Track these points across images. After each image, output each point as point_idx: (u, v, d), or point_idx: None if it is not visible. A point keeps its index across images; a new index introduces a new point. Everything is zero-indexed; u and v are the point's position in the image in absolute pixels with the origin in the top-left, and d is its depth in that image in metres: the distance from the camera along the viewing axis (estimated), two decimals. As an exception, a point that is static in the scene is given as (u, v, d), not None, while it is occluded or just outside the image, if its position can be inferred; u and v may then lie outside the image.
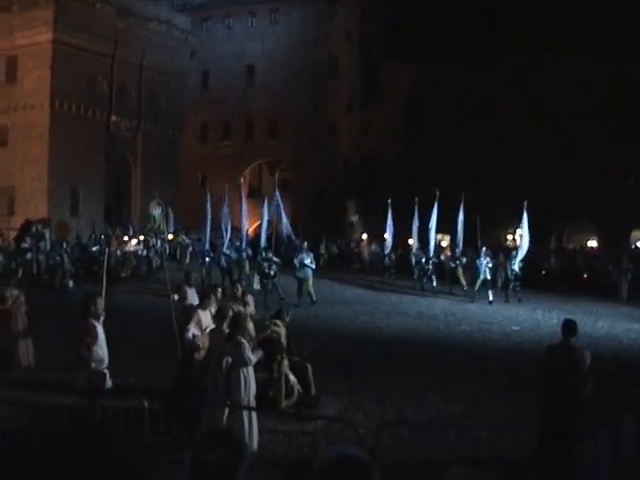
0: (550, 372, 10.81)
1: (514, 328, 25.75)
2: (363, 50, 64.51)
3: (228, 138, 69.66)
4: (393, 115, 61.11)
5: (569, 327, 11.12)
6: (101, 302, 12.36)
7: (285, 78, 65.23)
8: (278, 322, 15.17)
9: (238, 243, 35.09)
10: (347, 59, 64.91)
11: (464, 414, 14.37)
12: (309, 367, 14.71)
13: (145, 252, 39.38)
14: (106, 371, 12.06)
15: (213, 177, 63.91)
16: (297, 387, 14.15)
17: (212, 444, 3.71)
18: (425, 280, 35.25)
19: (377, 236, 50.38)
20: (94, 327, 11.85)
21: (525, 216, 31.17)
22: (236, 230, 36.91)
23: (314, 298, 30.10)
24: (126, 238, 40.06)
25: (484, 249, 32.83)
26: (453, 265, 35.72)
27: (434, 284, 34.99)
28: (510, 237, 58.33)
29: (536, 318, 28.22)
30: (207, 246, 34.68)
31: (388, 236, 37.91)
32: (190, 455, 3.64)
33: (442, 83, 58.51)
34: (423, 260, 35.30)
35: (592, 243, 56.36)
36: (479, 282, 32.35)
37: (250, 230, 47.63)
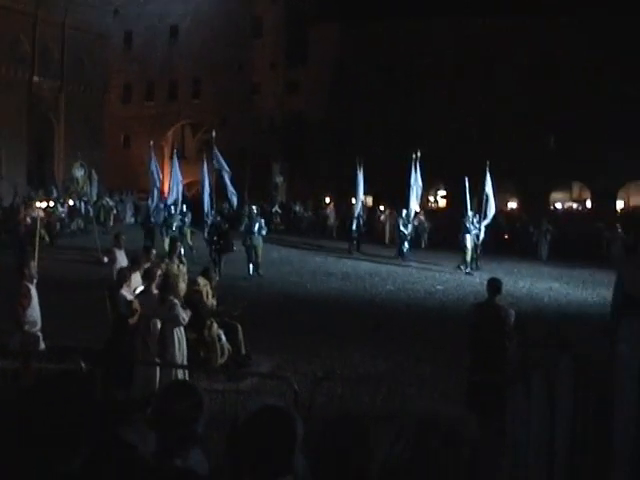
0: (477, 329, 11.19)
1: (438, 287, 26.26)
2: (288, 9, 64.17)
3: (151, 98, 69.03)
4: (320, 75, 61.04)
5: (494, 286, 11.51)
6: (34, 265, 12.41)
7: (209, 38, 64.70)
8: (199, 280, 15.23)
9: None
10: (272, 18, 64.54)
11: (392, 371, 14.73)
12: (239, 327, 14.78)
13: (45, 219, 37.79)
14: (39, 333, 12.11)
15: (136, 138, 63.47)
16: (227, 347, 14.26)
17: (172, 397, 3.90)
18: (407, 246, 34.07)
19: (303, 197, 50.75)
20: (28, 290, 11.89)
21: (488, 178, 29.72)
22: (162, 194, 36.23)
23: (260, 271, 27.80)
24: (38, 204, 38.94)
25: (470, 212, 30.95)
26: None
27: (405, 249, 33.94)
28: (432, 199, 59.02)
29: (459, 278, 28.78)
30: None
31: (358, 198, 36.22)
32: (151, 408, 3.82)
33: (370, 43, 58.51)
34: (401, 225, 33.91)
35: (512, 204, 57.27)
36: (470, 249, 30.51)
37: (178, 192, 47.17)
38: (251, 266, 27.94)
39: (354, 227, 36.62)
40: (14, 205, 39.00)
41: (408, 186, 32.53)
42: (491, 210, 30.43)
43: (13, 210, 36.35)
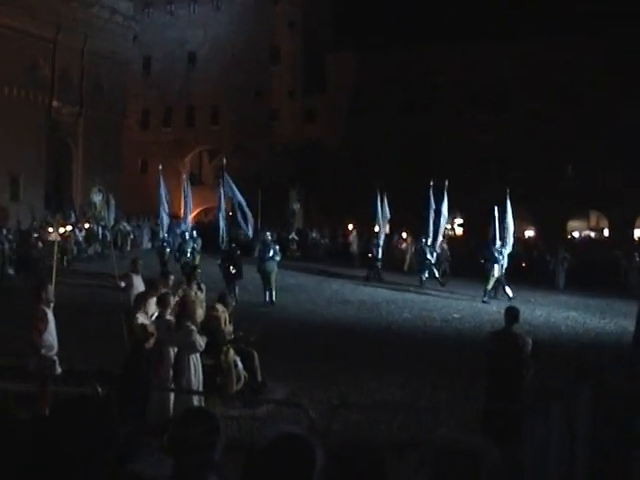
0: (494, 357, 11.14)
1: (455, 316, 26.14)
2: (306, 37, 64.50)
3: (169, 124, 69.32)
4: (337, 102, 61.22)
5: (511, 314, 11.46)
6: (52, 289, 12.42)
7: (227, 65, 65.13)
8: (218, 307, 15.22)
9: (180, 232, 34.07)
10: (289, 46, 64.90)
11: (408, 398, 14.66)
12: (255, 354, 14.75)
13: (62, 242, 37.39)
14: (56, 357, 12.10)
15: (154, 163, 63.60)
16: (243, 373, 14.23)
17: (188, 422, 3.87)
18: (428, 274, 34.00)
19: (320, 224, 50.71)
20: (45, 314, 11.89)
21: (509, 206, 30.00)
22: (175, 217, 36.38)
23: (274, 298, 27.28)
24: (51, 229, 38.70)
25: (499, 241, 30.42)
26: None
27: (425, 276, 33.90)
28: (449, 227, 58.88)
29: (476, 306, 28.64)
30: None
31: (381, 225, 36.24)
32: (168, 434, 3.79)
33: (387, 71, 58.70)
34: (428, 253, 33.59)
35: (529, 232, 57.11)
36: (495, 277, 30.12)
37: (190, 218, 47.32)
38: (268, 293, 27.65)
39: (380, 255, 36.08)
40: (30, 229, 39.10)
41: (427, 213, 32.64)
42: (511, 238, 30.51)
43: (30, 234, 36.34)
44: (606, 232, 57.46)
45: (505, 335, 11.36)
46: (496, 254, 30.12)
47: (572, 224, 58.27)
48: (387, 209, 35.54)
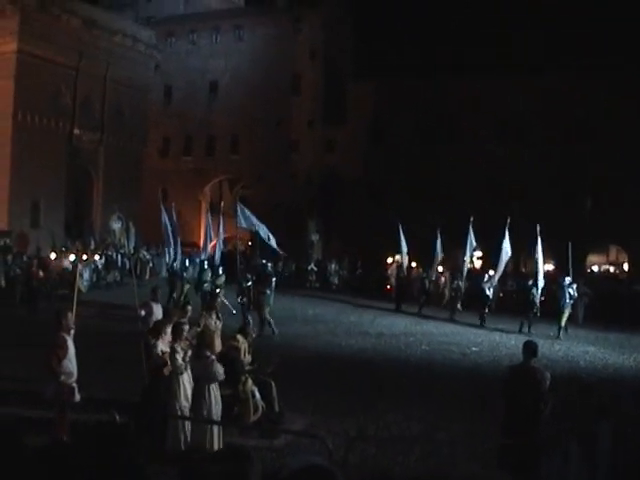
0: (512, 391, 11.08)
1: (473, 349, 26.02)
2: (327, 68, 64.73)
3: (189, 153, 69.47)
4: (357, 133, 61.30)
5: (530, 348, 11.40)
6: (72, 316, 12.44)
7: (248, 94, 65.28)
8: (238, 337, 15.23)
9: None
10: (310, 76, 65.08)
11: (425, 431, 14.60)
12: (273, 385, 14.74)
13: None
14: (75, 385, 12.11)
15: (174, 192, 63.82)
16: (261, 404, 14.22)
17: (221, 458, 3.81)
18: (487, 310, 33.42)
19: (339, 255, 50.64)
20: (65, 341, 11.91)
21: (539, 242, 30.67)
22: (196, 247, 36.46)
23: (274, 329, 26.76)
24: (53, 255, 38.64)
25: (569, 278, 31.50)
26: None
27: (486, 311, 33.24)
28: (467, 259, 58.58)
29: (494, 339, 28.55)
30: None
31: (437, 259, 37.32)
32: (194, 467, 3.75)
33: (407, 102, 58.79)
34: (486, 289, 33.49)
35: (548, 267, 56.84)
36: (566, 315, 30.44)
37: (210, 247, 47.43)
38: (272, 325, 27.12)
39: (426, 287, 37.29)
40: (33, 257, 38.82)
41: (463, 247, 33.06)
42: (541, 273, 31.35)
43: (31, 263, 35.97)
44: (626, 266, 57.20)
45: (523, 369, 11.30)
46: (571, 291, 30.80)
47: (591, 258, 58.00)
48: (440, 248, 36.18)
